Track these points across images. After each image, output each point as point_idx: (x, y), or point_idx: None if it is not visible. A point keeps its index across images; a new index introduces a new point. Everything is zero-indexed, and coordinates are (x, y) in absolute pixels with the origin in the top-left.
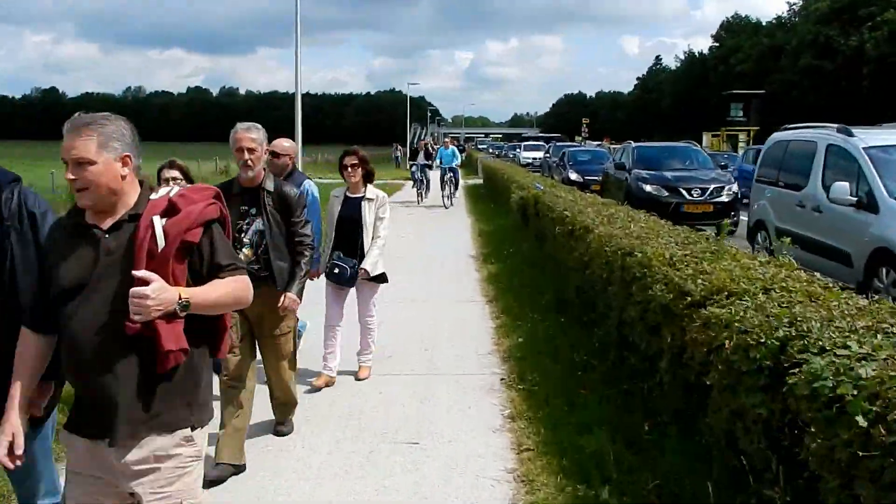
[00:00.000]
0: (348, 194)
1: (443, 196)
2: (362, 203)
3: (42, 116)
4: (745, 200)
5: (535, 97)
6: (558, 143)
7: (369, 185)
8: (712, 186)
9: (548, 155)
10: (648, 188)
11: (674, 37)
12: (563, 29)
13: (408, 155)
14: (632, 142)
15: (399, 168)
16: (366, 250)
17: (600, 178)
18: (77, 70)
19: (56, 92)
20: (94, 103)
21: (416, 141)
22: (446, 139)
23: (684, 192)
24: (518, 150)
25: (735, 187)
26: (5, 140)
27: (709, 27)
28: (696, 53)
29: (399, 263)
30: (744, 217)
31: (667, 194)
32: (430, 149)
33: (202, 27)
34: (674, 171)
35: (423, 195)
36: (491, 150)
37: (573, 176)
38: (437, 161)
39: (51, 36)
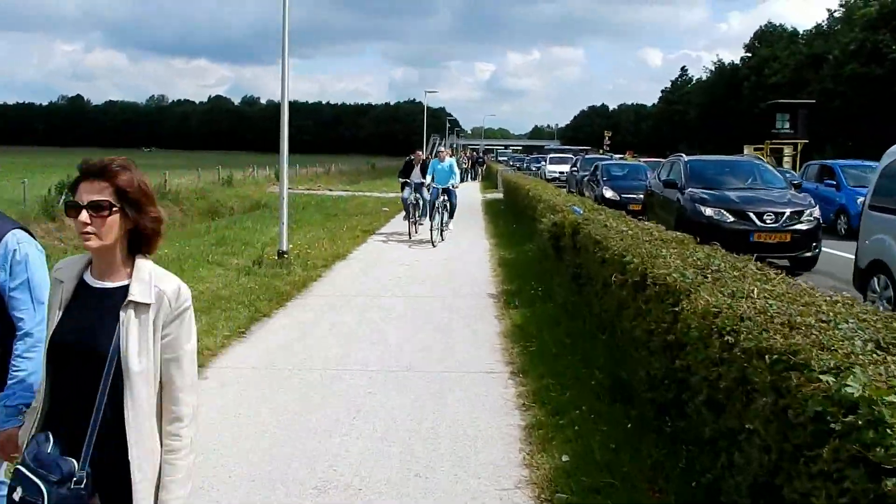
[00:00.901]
0: (89, 279)
1: (431, 228)
2: (121, 310)
3: (66, 124)
4: None
5: (556, 109)
6: (587, 156)
7: (141, 261)
8: (788, 211)
9: (575, 169)
10: (708, 211)
11: (697, 49)
12: (584, 41)
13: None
14: (683, 155)
15: None
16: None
17: (640, 196)
18: (104, 78)
19: (81, 99)
20: (117, 111)
21: (433, 152)
22: (441, 150)
23: (754, 217)
24: (542, 163)
25: (817, 212)
26: (28, 147)
27: (733, 39)
28: (727, 64)
29: (399, 299)
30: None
31: (732, 220)
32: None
33: (226, 37)
34: (737, 190)
35: (417, 226)
36: (511, 163)
37: (608, 193)
38: (429, 178)
39: (80, 45)
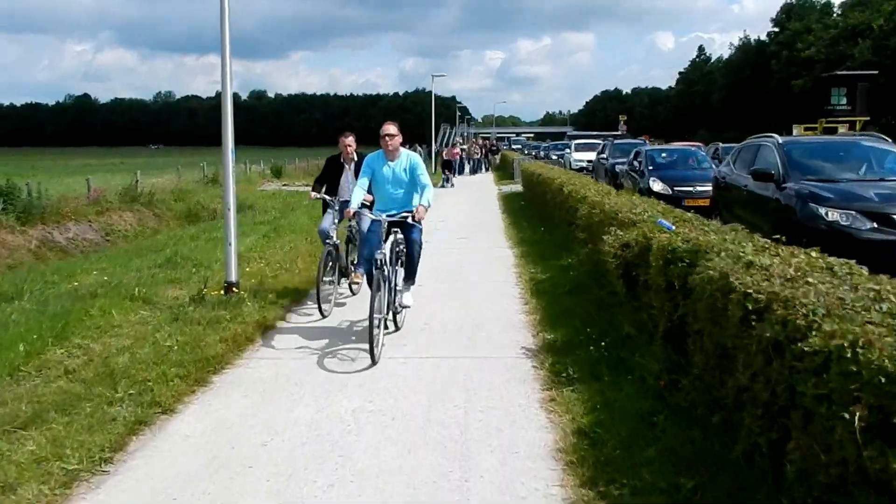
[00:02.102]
0: None
1: (373, 322)
2: None
3: (73, 123)
4: None
5: (567, 96)
6: (618, 142)
7: None
8: None
9: (603, 156)
10: (833, 215)
11: (709, 31)
12: (595, 26)
13: (433, 157)
14: (776, 136)
15: None
16: None
17: (700, 188)
18: (115, 78)
19: (89, 98)
20: (124, 109)
21: (445, 142)
22: (386, 130)
23: None
24: (568, 150)
25: None
26: (34, 147)
27: (747, 21)
28: (752, 41)
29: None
30: None
31: (869, 226)
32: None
33: (237, 33)
34: (867, 183)
35: (327, 304)
36: (527, 151)
37: (657, 186)
38: (357, 197)
39: (91, 45)
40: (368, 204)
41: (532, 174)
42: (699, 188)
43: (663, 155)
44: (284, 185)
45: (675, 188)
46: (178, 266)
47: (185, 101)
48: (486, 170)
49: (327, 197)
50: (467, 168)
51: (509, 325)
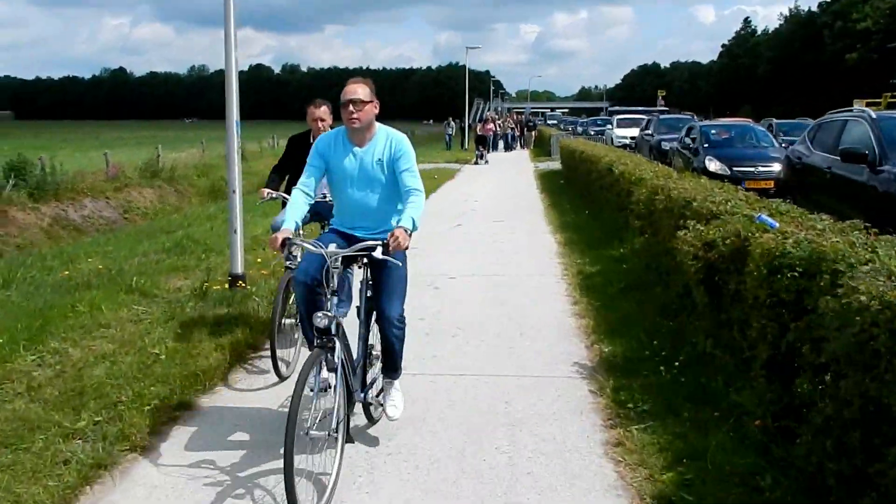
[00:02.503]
0: None
1: (296, 406)
2: None
3: (109, 97)
4: None
5: (603, 70)
6: (664, 117)
7: None
8: None
9: (648, 132)
10: None
11: (752, 4)
12: None
13: (466, 132)
14: (869, 110)
15: (450, 150)
16: None
17: (763, 168)
18: (151, 51)
19: (124, 72)
20: (158, 82)
21: (479, 117)
22: (351, 94)
23: None
24: (609, 126)
25: None
26: (74, 121)
27: None
28: (802, 12)
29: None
30: None
31: None
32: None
33: (272, 6)
34: None
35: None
36: (563, 126)
37: (713, 166)
38: (288, 212)
39: (129, 18)
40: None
41: (573, 151)
42: (761, 168)
43: (719, 131)
44: None
45: (734, 168)
46: (186, 251)
47: (219, 74)
48: (522, 146)
49: (286, 196)
50: (501, 144)
51: (557, 331)
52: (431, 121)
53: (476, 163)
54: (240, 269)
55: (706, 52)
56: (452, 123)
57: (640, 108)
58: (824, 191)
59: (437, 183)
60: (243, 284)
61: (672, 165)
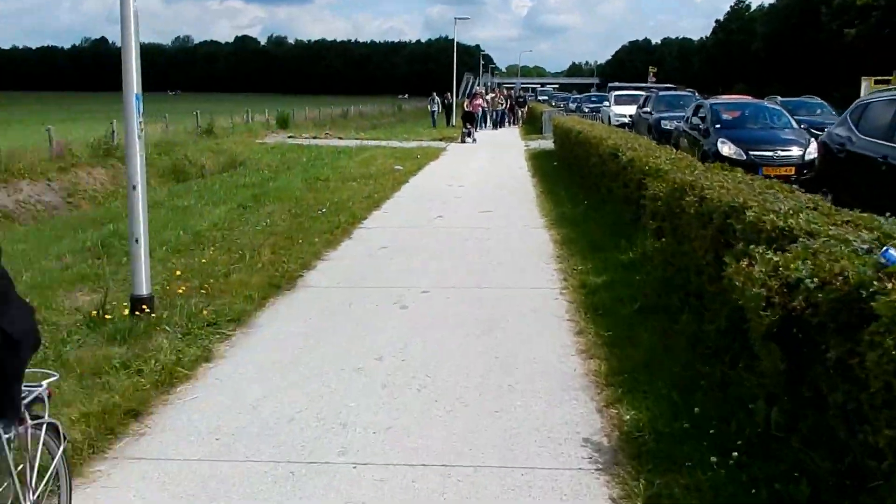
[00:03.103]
0: None
1: None
2: None
3: (90, 68)
4: None
5: (595, 46)
6: (663, 93)
7: None
8: None
9: (646, 110)
10: None
11: None
12: None
13: (453, 109)
14: None
15: (436, 128)
16: None
17: (785, 154)
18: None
19: (106, 42)
20: (142, 53)
21: (467, 92)
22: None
23: None
24: (607, 103)
25: None
26: (51, 92)
27: None
28: None
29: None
30: None
31: None
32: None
33: None
34: None
35: None
36: (555, 103)
37: (727, 149)
38: None
39: None
40: None
41: (568, 131)
42: (780, 153)
43: (730, 110)
44: (290, 136)
45: (751, 152)
46: (111, 251)
47: (203, 45)
48: (512, 123)
49: None
50: (489, 121)
51: (559, 382)
52: (407, 95)
53: (463, 141)
54: (144, 290)
55: (698, 29)
56: (437, 99)
57: (640, 84)
58: (878, 185)
59: (420, 164)
60: (146, 310)
61: (677, 147)
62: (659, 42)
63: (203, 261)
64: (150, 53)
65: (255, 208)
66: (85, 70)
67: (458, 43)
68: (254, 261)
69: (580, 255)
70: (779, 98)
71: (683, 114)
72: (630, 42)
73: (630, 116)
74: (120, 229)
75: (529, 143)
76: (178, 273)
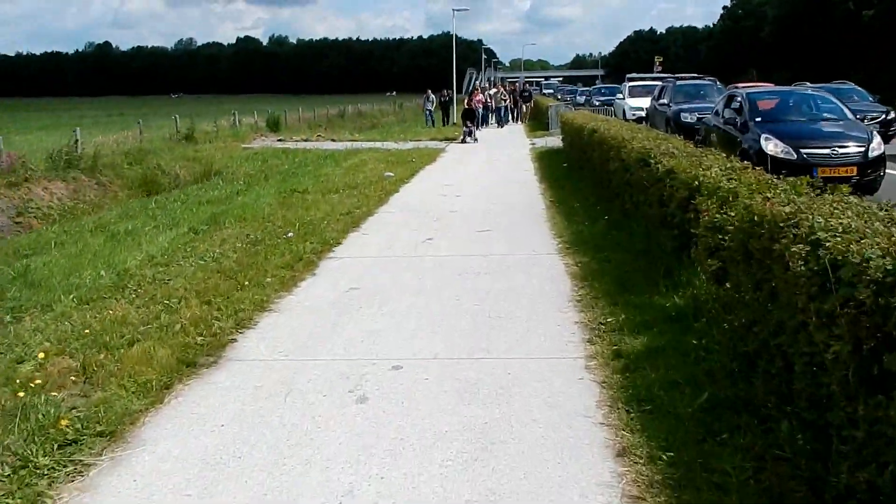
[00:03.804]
0: None
1: None
2: None
3: (94, 72)
4: None
5: (598, 37)
6: (681, 83)
7: None
8: None
9: (663, 102)
10: None
11: None
12: None
13: (453, 107)
14: None
15: (434, 126)
16: None
17: (845, 151)
18: (143, 25)
19: (109, 46)
20: (144, 56)
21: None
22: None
23: None
24: (620, 95)
25: None
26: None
27: None
28: None
29: None
30: None
31: None
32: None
33: None
34: None
35: None
36: (561, 96)
37: (772, 147)
38: None
39: None
40: None
41: (580, 130)
42: (839, 149)
43: (769, 99)
44: (280, 139)
45: (802, 150)
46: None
47: (206, 47)
48: (516, 120)
49: None
50: (492, 119)
51: None
52: (395, 92)
53: (464, 141)
54: None
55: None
56: (432, 97)
57: (662, 76)
58: None
59: (414, 168)
60: None
61: (705, 145)
62: (664, 31)
63: (110, 319)
64: (152, 57)
65: (209, 233)
66: (89, 74)
67: (460, 38)
68: (176, 317)
69: (607, 297)
70: (808, 84)
71: (704, 105)
72: (635, 32)
73: (646, 109)
74: (32, 266)
75: (535, 140)
76: (59, 345)
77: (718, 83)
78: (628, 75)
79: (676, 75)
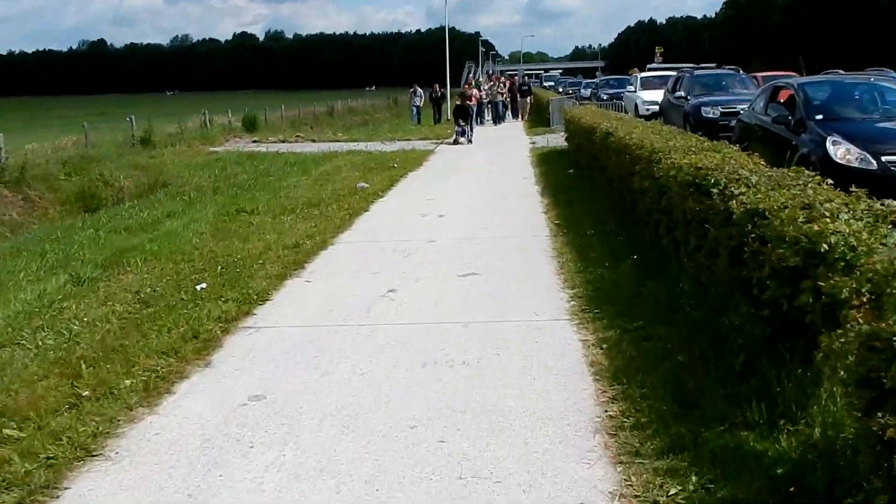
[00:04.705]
0: None
1: None
2: None
3: (88, 71)
4: None
5: (599, 29)
6: (699, 73)
7: None
8: None
9: (680, 95)
10: None
11: None
12: None
13: (446, 103)
14: None
15: (419, 125)
16: None
17: None
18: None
19: (104, 44)
20: (139, 54)
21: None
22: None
23: None
24: (631, 87)
25: None
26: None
27: None
28: None
29: None
30: None
31: None
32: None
33: None
34: None
35: None
36: (563, 90)
37: (842, 152)
38: None
39: None
40: None
41: (590, 131)
42: None
43: (825, 91)
44: (254, 141)
45: (885, 158)
46: None
47: (202, 44)
48: (514, 117)
49: None
50: (488, 115)
51: None
52: (374, 87)
53: (456, 142)
54: None
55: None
56: (420, 91)
57: (680, 66)
58: None
59: (394, 177)
60: None
61: (739, 146)
62: (664, 22)
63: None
64: (148, 54)
65: (98, 281)
66: (84, 73)
67: (459, 32)
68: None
69: (659, 422)
70: (842, 72)
71: (727, 98)
72: (635, 23)
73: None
74: None
75: (535, 139)
76: None
77: (742, 72)
78: (649, 65)
79: (698, 66)
